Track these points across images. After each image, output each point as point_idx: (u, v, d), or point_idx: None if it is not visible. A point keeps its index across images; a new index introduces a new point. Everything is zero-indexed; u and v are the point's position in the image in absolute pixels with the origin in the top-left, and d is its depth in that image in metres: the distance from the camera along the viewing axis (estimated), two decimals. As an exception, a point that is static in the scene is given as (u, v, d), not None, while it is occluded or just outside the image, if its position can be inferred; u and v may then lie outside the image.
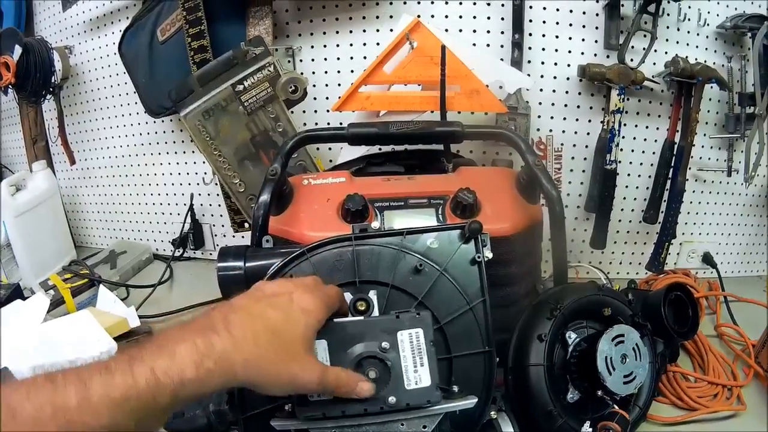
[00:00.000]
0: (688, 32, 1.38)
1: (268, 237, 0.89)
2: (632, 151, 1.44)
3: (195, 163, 1.61)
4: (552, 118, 1.40)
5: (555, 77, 1.37)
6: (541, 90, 1.38)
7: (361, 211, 0.93)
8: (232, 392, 0.79)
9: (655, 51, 1.34)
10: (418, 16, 1.24)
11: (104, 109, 1.69)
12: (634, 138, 1.43)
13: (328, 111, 1.40)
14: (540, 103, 1.39)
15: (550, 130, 1.40)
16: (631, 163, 1.44)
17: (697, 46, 1.39)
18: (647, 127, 1.43)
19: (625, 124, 1.35)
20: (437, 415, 0.72)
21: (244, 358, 0.57)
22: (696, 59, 1.35)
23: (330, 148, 1.44)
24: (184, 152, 1.61)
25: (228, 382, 0.57)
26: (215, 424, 0.99)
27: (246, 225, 1.45)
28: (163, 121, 1.58)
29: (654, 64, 1.37)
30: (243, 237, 1.52)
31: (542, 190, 1.00)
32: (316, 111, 1.46)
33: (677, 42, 1.38)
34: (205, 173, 1.56)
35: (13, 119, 1.81)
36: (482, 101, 1.21)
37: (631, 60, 1.33)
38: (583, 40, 1.36)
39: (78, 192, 1.84)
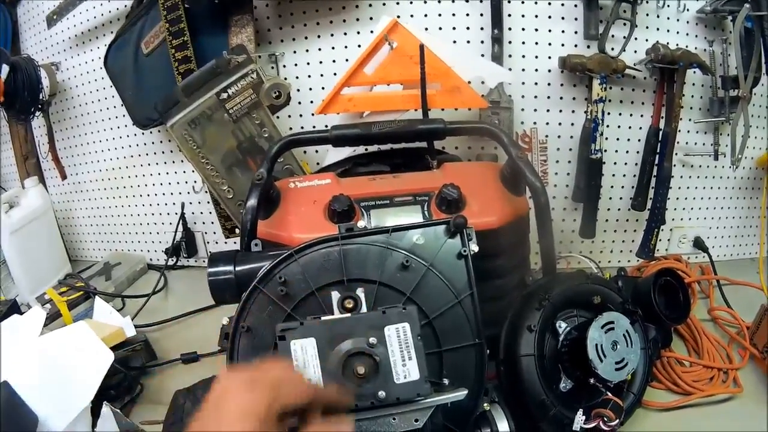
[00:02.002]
0: (668, 18, 1.39)
1: (257, 241, 0.90)
2: (617, 139, 1.44)
3: (185, 172, 1.62)
4: (535, 110, 1.41)
5: (536, 70, 1.38)
6: (523, 83, 1.39)
7: (348, 211, 0.94)
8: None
9: (636, 39, 1.35)
10: (398, 17, 1.25)
11: (93, 123, 1.69)
12: (619, 126, 1.44)
13: (312, 115, 1.40)
14: (523, 96, 1.39)
15: (534, 123, 1.41)
16: (616, 151, 1.45)
17: (677, 32, 1.40)
18: (631, 114, 1.44)
19: (608, 113, 1.36)
20: (428, 408, 0.73)
21: None
22: (677, 45, 1.36)
23: (317, 151, 1.46)
24: (174, 162, 1.62)
25: None
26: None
27: (237, 231, 1.45)
28: (151, 133, 1.59)
29: (635, 51, 1.37)
30: (235, 243, 1.52)
31: (526, 182, 1.01)
32: (301, 115, 1.47)
33: (657, 29, 1.38)
34: (195, 182, 1.57)
35: (3, 137, 1.82)
36: (463, 98, 1.22)
37: (612, 49, 1.33)
38: (562, 31, 1.37)
39: (71, 206, 1.85)
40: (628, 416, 0.97)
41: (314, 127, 1.45)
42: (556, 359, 0.94)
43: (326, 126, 1.08)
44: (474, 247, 0.83)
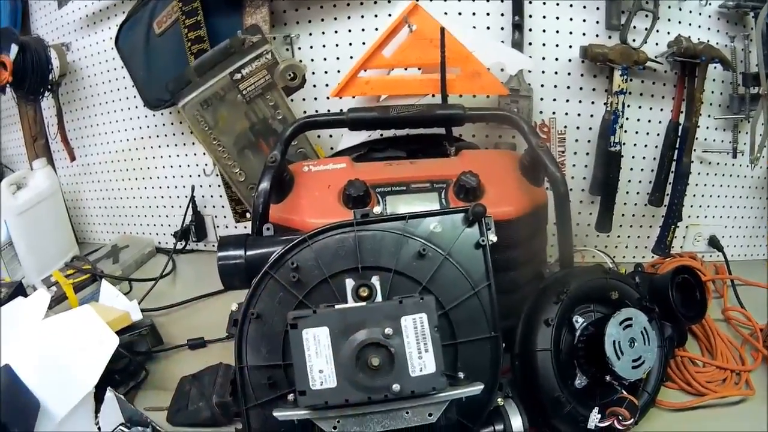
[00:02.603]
0: (690, 12, 1.35)
1: (268, 225, 0.87)
2: (636, 132, 1.41)
3: (195, 154, 1.59)
4: (555, 100, 1.37)
5: (557, 59, 1.34)
6: (543, 72, 1.35)
7: (363, 197, 0.90)
8: (235, 383, 0.78)
9: (657, 31, 1.31)
10: (417, 0, 1.21)
11: (103, 105, 1.66)
12: (638, 119, 1.40)
13: (328, 98, 1.37)
14: (542, 86, 1.36)
15: (553, 113, 1.37)
16: (635, 145, 1.41)
17: (699, 26, 1.36)
18: (651, 108, 1.40)
19: (628, 106, 1.32)
20: (443, 402, 0.70)
21: None
22: (698, 39, 1.32)
23: (331, 135, 1.42)
24: (185, 144, 1.59)
25: None
26: (218, 416, 0.97)
27: (247, 215, 1.42)
28: (162, 114, 1.56)
29: (657, 44, 1.33)
30: (245, 227, 1.50)
31: (546, 172, 0.98)
32: (315, 98, 1.44)
33: (679, 22, 1.34)
34: (206, 165, 1.54)
35: (12, 119, 1.79)
36: (483, 83, 1.18)
37: (633, 40, 1.30)
38: (584, 20, 1.33)
39: (79, 188, 1.82)
40: (642, 415, 0.94)
41: (328, 110, 1.41)
42: (572, 355, 0.91)
43: (340, 110, 1.04)
44: (492, 237, 0.81)
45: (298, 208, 0.95)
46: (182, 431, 0.99)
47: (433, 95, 1.20)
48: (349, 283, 0.75)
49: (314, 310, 0.67)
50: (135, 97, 1.54)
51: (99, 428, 0.93)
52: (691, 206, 1.48)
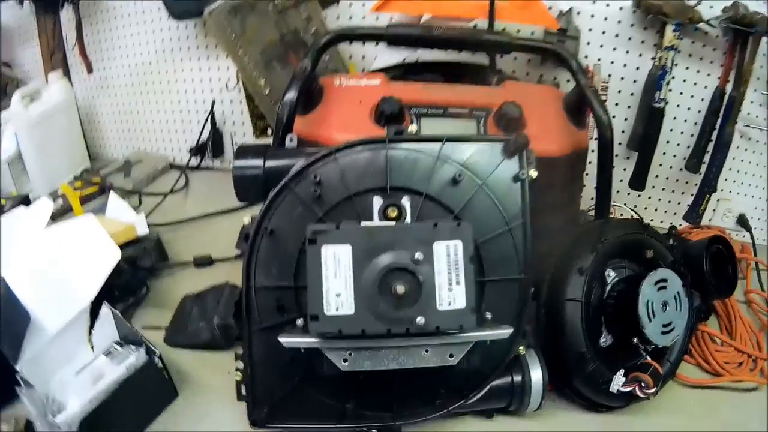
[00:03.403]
0: (753, -21, 1.24)
1: (292, 135, 0.77)
2: (681, 93, 1.31)
3: (218, 68, 1.49)
4: (601, 46, 1.27)
5: (608, 4, 1.23)
6: (592, 16, 1.24)
7: (397, 116, 0.81)
8: (240, 304, 0.70)
9: (715, -6, 1.21)
10: None
11: (125, 17, 1.56)
12: (684, 80, 1.30)
13: (363, 18, 1.26)
14: (590, 30, 1.25)
15: (599, 59, 1.27)
16: (678, 106, 1.32)
17: (760, -3, 1.25)
18: (698, 71, 1.30)
19: (676, 64, 1.22)
20: (466, 343, 0.62)
21: None
22: (755, 10, 1.21)
23: (363, 57, 1.32)
24: (207, 57, 1.49)
25: None
26: (218, 338, 0.90)
27: (269, 131, 1.34)
28: (186, 27, 1.46)
29: (711, 7, 1.22)
30: (266, 144, 1.40)
31: (593, 114, 0.89)
32: (350, 18, 1.32)
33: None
34: (229, 79, 1.44)
35: (30, 33, 1.69)
36: (533, 14, 1.08)
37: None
38: (641, -32, 1.21)
39: (95, 102, 1.73)
40: (662, 386, 0.86)
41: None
42: (600, 311, 0.84)
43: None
44: (533, 173, 0.72)
45: (326, 122, 0.85)
46: (179, 353, 0.92)
47: (475, 26, 1.09)
48: (377, 201, 0.66)
49: (337, 225, 0.59)
50: (159, 9, 1.42)
51: (92, 346, 0.86)
52: (725, 180, 1.39)
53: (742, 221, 1.44)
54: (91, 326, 0.87)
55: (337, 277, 0.58)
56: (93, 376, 0.80)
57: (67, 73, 1.63)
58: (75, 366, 0.83)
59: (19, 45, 1.77)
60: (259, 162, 0.73)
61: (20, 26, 1.73)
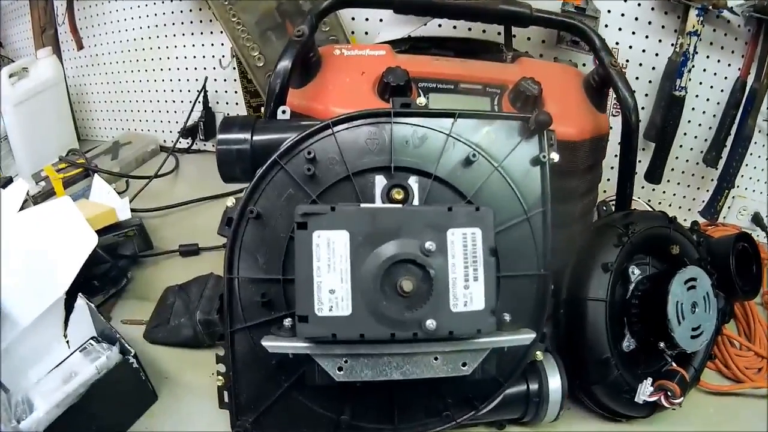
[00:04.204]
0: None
1: (284, 108, 0.67)
2: (700, 83, 1.20)
3: (213, 45, 1.38)
4: (620, 29, 1.16)
5: (628, -15, 1.13)
6: (611, -4, 1.14)
7: (403, 88, 0.70)
8: (222, 298, 0.60)
9: (740, -18, 1.11)
10: None
11: (117, -9, 1.47)
12: (704, 69, 1.19)
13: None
14: (609, 11, 1.15)
15: (617, 43, 1.17)
16: (697, 96, 1.21)
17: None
18: (719, 60, 1.19)
19: (697, 52, 1.12)
20: (482, 350, 0.51)
21: None
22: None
23: (366, 33, 1.21)
24: (201, 33, 1.39)
25: None
26: (201, 335, 0.81)
27: (262, 109, 1.22)
28: (180, 1, 1.36)
29: (736, -5, 1.13)
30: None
31: (618, 96, 0.79)
32: None
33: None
34: (222, 56, 1.35)
35: (22, 10, 1.60)
36: (555, -13, 0.96)
37: (712, -16, 1.10)
38: (663, -51, 1.12)
39: (85, 81, 1.63)
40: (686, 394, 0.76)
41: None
42: (623, 312, 0.74)
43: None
44: (555, 156, 0.62)
45: (323, 94, 0.74)
46: (159, 350, 0.83)
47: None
48: (380, 181, 0.56)
49: (332, 207, 0.48)
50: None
51: (67, 341, 0.77)
52: (742, 176, 1.28)
53: (757, 220, 1.34)
54: (67, 320, 0.78)
55: (331, 270, 0.48)
56: (64, 376, 0.71)
57: (57, 51, 1.54)
58: (49, 363, 0.74)
59: (11, 21, 1.69)
60: (246, 135, 0.63)
61: (12, 2, 1.63)
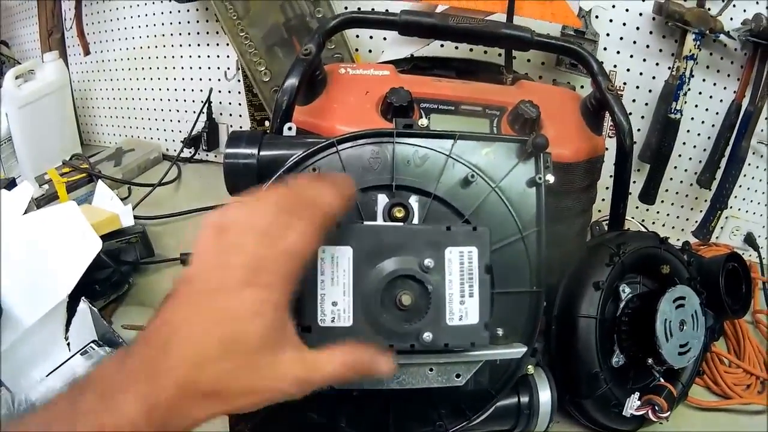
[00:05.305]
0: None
1: (291, 124, 0.69)
2: (696, 106, 1.24)
3: (218, 56, 1.41)
4: (618, 53, 1.20)
5: (627, 9, 1.17)
6: (611, 20, 1.18)
7: (406, 109, 0.73)
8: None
9: (734, 6, 1.15)
10: None
11: (126, -3, 1.50)
12: (700, 92, 1.23)
13: (372, 10, 1.17)
14: (608, 35, 1.18)
15: (615, 66, 1.21)
16: (692, 118, 1.25)
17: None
18: (715, 84, 1.24)
19: (692, 76, 1.16)
20: (476, 362, 0.54)
21: (201, 392, 0.39)
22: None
23: (370, 51, 1.23)
24: (208, 44, 1.41)
25: (195, 422, 0.40)
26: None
27: (266, 123, 1.27)
28: (188, 11, 1.38)
29: (731, 19, 1.16)
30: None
31: (613, 119, 0.83)
32: (359, 9, 1.21)
33: (757, 2, 1.16)
34: (228, 68, 1.37)
35: (31, 12, 1.63)
36: (555, 10, 1.00)
37: (709, 9, 1.13)
38: (662, -24, 1.16)
39: (91, 86, 1.66)
40: (673, 410, 0.80)
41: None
42: (613, 328, 0.78)
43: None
44: (550, 177, 0.64)
45: (328, 112, 0.77)
46: None
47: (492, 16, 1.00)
48: (382, 199, 0.58)
49: (338, 223, 0.51)
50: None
51: (68, 344, 0.80)
52: (735, 197, 1.32)
53: (750, 240, 1.38)
54: (69, 323, 0.80)
55: (334, 284, 0.51)
56: (64, 379, 0.72)
57: (64, 55, 1.57)
58: (49, 365, 0.76)
59: (19, 23, 1.71)
60: (253, 150, 0.65)
61: (21, 4, 1.66)
